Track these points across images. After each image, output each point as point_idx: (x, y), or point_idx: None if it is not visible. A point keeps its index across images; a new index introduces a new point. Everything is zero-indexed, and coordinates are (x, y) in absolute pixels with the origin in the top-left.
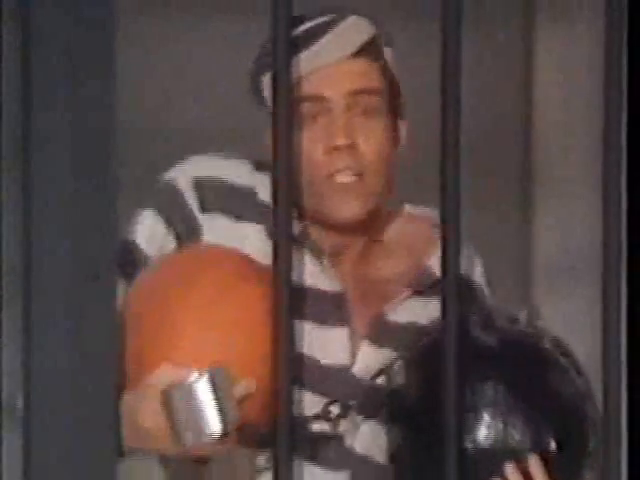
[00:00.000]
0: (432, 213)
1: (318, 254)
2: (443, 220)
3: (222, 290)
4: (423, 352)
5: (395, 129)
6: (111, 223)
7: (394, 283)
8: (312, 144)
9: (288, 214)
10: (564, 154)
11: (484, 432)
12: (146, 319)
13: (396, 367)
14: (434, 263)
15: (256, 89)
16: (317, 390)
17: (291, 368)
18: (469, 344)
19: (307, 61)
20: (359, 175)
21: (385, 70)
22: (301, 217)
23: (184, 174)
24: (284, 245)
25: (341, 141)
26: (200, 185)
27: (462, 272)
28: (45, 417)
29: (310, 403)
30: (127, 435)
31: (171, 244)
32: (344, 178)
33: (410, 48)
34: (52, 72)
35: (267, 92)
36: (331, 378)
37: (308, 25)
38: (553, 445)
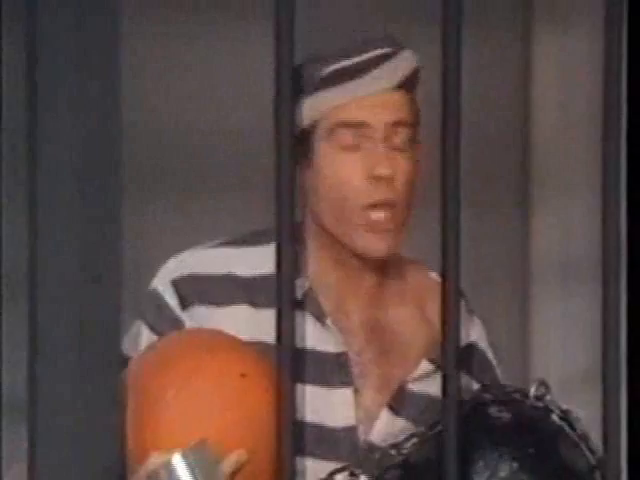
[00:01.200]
0: (430, 273)
1: (321, 315)
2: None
3: (196, 367)
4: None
5: (416, 159)
6: (116, 224)
7: (409, 347)
8: (352, 171)
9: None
10: (563, 154)
11: None
12: (130, 408)
13: (411, 443)
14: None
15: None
16: (322, 455)
17: (294, 435)
18: (483, 420)
19: (355, 90)
20: (392, 209)
21: (414, 102)
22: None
23: (163, 278)
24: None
25: (385, 171)
26: (178, 284)
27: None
28: (49, 418)
29: (314, 469)
30: None
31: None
32: (379, 214)
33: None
34: (57, 72)
35: None
36: (337, 441)
37: (366, 56)
38: None
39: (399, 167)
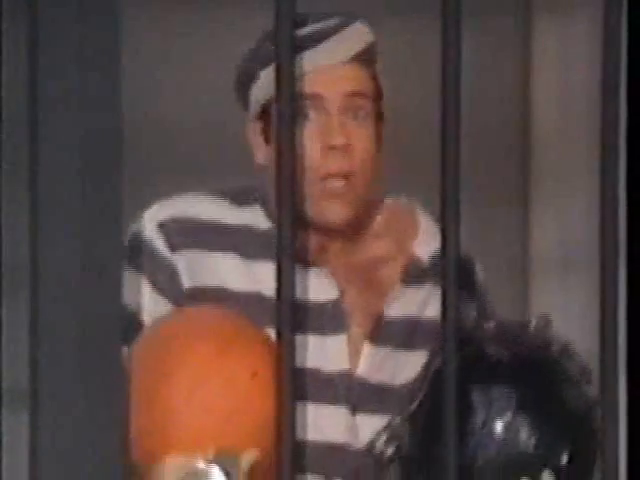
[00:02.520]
0: (411, 202)
1: (310, 265)
2: (443, 217)
3: (206, 370)
4: (421, 409)
5: (379, 132)
6: (118, 217)
7: (387, 278)
8: (307, 142)
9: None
10: (562, 148)
11: (496, 447)
12: (139, 399)
13: (395, 426)
14: (421, 250)
15: (243, 94)
16: (319, 400)
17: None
18: (480, 357)
19: (308, 61)
20: (348, 178)
21: (374, 76)
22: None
23: (149, 221)
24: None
25: (338, 141)
26: (165, 227)
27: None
28: (51, 408)
29: (312, 414)
30: None
31: (153, 294)
32: (335, 183)
33: (400, 48)
34: (59, 71)
35: (255, 96)
36: (334, 385)
37: (315, 27)
38: (565, 458)
39: (355, 137)
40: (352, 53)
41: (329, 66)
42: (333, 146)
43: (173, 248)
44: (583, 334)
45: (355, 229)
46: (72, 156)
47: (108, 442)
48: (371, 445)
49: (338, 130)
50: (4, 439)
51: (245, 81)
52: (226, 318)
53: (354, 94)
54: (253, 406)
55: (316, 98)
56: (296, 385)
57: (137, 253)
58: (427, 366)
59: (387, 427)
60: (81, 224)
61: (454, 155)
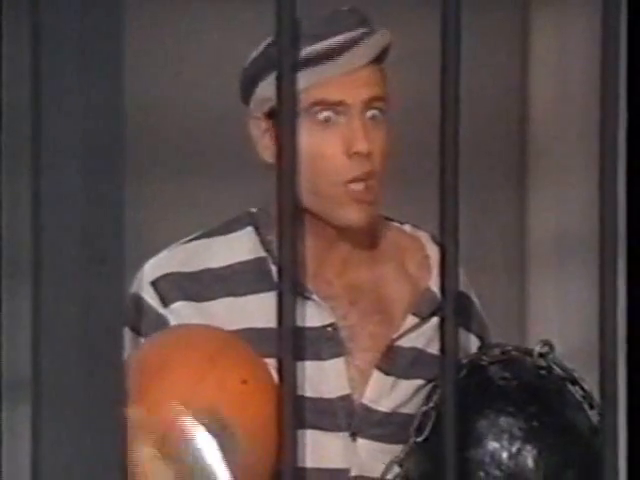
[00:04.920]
0: (417, 231)
1: (304, 290)
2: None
3: (198, 378)
4: (429, 440)
5: (389, 135)
6: (119, 207)
7: (395, 304)
8: (330, 148)
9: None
10: (560, 132)
11: (500, 468)
12: (132, 402)
13: (404, 457)
14: (436, 286)
15: (247, 97)
16: (320, 426)
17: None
18: (483, 381)
19: (330, 70)
20: (370, 181)
21: (383, 71)
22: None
23: (141, 281)
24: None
25: (362, 147)
26: (157, 285)
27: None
28: (53, 399)
29: (313, 440)
30: None
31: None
32: (357, 186)
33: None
34: (61, 70)
35: (262, 95)
36: (334, 411)
37: (340, 38)
38: None
39: (375, 141)
40: (371, 58)
41: (349, 72)
42: (357, 152)
43: (165, 303)
44: (580, 326)
45: (367, 236)
46: (74, 156)
47: (110, 436)
48: (384, 474)
49: (362, 137)
50: (5, 432)
51: (252, 80)
52: (216, 332)
53: (374, 99)
54: (245, 410)
55: (339, 104)
56: (296, 414)
57: (135, 313)
58: (429, 396)
59: (397, 458)
60: (83, 210)
61: (452, 139)
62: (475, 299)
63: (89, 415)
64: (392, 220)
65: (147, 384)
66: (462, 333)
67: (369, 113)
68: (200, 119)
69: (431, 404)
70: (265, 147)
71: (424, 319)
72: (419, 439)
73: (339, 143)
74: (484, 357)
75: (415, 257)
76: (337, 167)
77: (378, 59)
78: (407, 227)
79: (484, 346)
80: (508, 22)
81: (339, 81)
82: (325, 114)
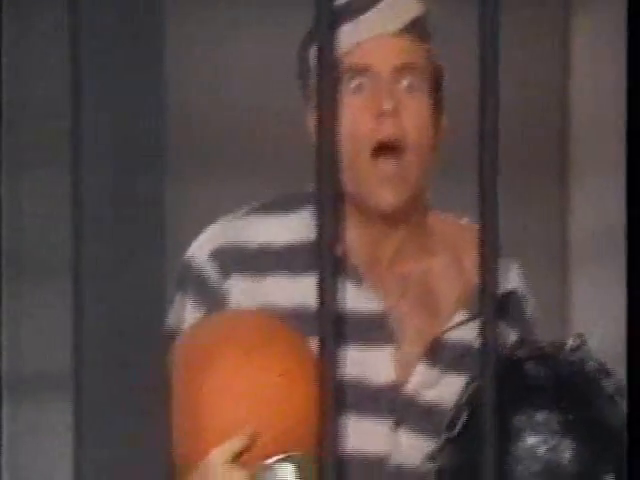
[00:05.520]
0: (473, 225)
1: (357, 277)
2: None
3: (234, 370)
4: (464, 433)
5: (437, 118)
6: (160, 216)
7: (445, 298)
8: (357, 112)
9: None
10: (602, 129)
11: (538, 462)
12: (179, 394)
13: (441, 449)
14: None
15: (303, 68)
16: (363, 412)
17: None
18: (519, 377)
19: (352, 33)
20: (399, 155)
21: (429, 55)
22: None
23: (200, 249)
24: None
25: (387, 105)
26: (216, 255)
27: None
28: (95, 387)
29: (355, 426)
30: None
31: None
32: (386, 162)
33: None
34: (101, 63)
35: (312, 66)
36: (377, 398)
37: None
38: (610, 477)
39: (407, 108)
40: (399, 25)
41: (378, 37)
42: (382, 112)
43: (225, 276)
44: (622, 320)
45: (408, 223)
46: (113, 154)
47: (152, 428)
48: (419, 468)
49: (387, 95)
50: (47, 427)
51: (302, 52)
52: (258, 318)
53: (404, 66)
54: (282, 403)
55: (366, 69)
56: (338, 397)
57: (188, 282)
58: (463, 392)
59: (431, 453)
60: (123, 202)
61: (492, 137)
62: (529, 296)
63: (131, 408)
64: (449, 212)
65: (189, 379)
66: (505, 330)
67: (403, 82)
68: (241, 112)
69: (464, 399)
70: (310, 121)
71: (474, 316)
72: (451, 434)
73: (366, 107)
74: (518, 352)
75: (471, 252)
76: (365, 130)
77: (414, 32)
78: (464, 221)
79: (518, 342)
80: (548, 21)
81: (368, 46)
82: (356, 82)
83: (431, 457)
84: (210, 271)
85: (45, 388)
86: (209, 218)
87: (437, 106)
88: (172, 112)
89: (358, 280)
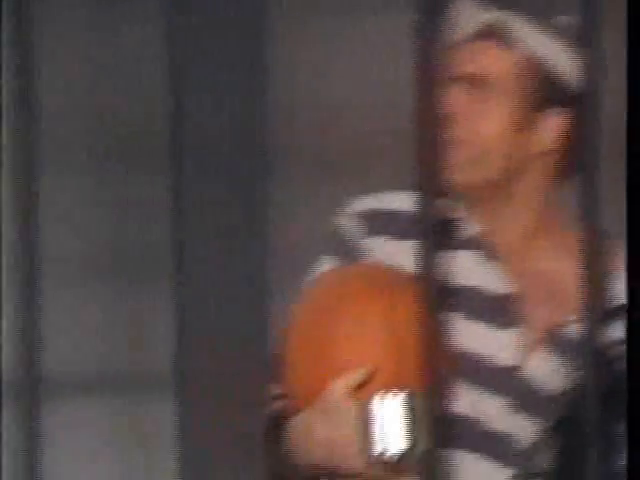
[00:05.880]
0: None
1: (491, 257)
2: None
3: (369, 300)
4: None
5: (528, 119)
6: (265, 223)
7: (570, 292)
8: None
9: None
10: None
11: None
12: (307, 336)
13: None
14: (617, 289)
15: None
16: (481, 388)
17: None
18: (616, 382)
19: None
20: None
21: (514, 57)
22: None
23: (347, 213)
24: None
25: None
26: (362, 217)
27: None
28: (197, 386)
29: (473, 401)
30: (301, 451)
31: None
32: (453, 150)
33: None
34: (207, 69)
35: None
36: (498, 378)
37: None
38: None
39: (481, 113)
40: (473, 29)
41: (453, 43)
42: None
43: (368, 234)
44: None
45: (555, 225)
46: (218, 156)
47: (251, 419)
48: (527, 455)
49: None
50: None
51: None
52: (390, 268)
53: (474, 75)
54: (409, 340)
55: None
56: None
57: (335, 242)
58: (571, 386)
59: (540, 440)
60: (227, 223)
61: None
62: None
63: (233, 402)
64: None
65: (318, 318)
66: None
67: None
68: (348, 112)
69: (567, 393)
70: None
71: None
72: (551, 426)
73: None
74: (609, 352)
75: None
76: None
77: (490, 36)
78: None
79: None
80: None
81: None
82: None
83: (534, 448)
84: (351, 230)
85: (146, 386)
86: (313, 217)
87: (533, 109)
88: (276, 113)
89: (492, 260)
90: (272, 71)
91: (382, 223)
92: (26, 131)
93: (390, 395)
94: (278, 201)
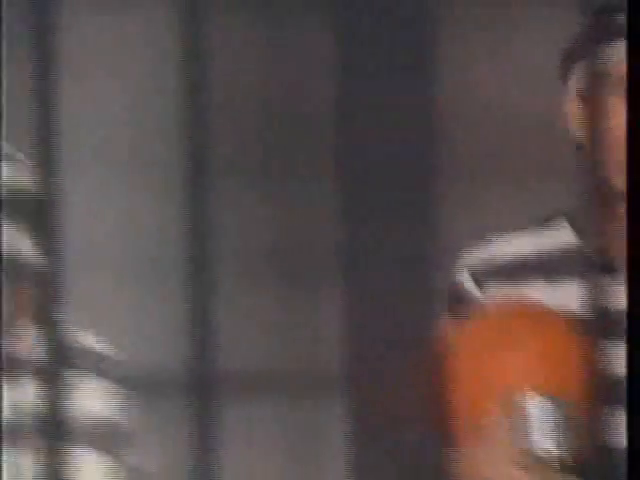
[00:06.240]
0: None
1: (620, 273)
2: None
3: (546, 353)
4: None
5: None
6: (425, 215)
7: None
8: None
9: None
10: None
11: None
12: (477, 367)
13: None
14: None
15: (564, 77)
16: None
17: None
18: None
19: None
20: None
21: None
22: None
23: (462, 268)
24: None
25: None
26: (473, 268)
27: None
28: (367, 388)
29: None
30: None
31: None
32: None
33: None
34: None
35: (572, 81)
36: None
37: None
38: None
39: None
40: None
41: None
42: None
43: (481, 286)
44: None
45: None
46: (385, 158)
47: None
48: None
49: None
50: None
51: (571, 57)
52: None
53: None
54: (570, 363)
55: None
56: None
57: (454, 300)
58: None
59: None
60: (390, 234)
61: None
62: None
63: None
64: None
65: (484, 346)
66: None
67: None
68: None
69: None
70: (578, 127)
71: None
72: None
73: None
74: None
75: None
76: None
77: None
78: None
79: None
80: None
81: None
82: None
83: None
84: (468, 284)
85: (317, 387)
86: (477, 234)
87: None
88: (444, 114)
89: (621, 278)
90: (439, 72)
91: (493, 271)
92: (204, 133)
93: (536, 395)
94: (449, 202)
